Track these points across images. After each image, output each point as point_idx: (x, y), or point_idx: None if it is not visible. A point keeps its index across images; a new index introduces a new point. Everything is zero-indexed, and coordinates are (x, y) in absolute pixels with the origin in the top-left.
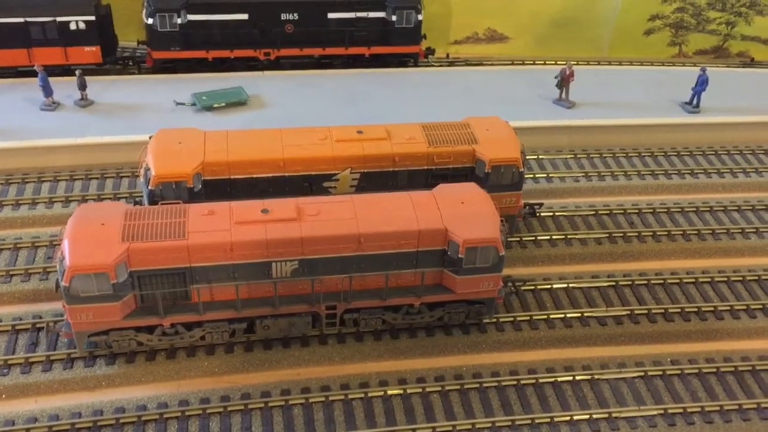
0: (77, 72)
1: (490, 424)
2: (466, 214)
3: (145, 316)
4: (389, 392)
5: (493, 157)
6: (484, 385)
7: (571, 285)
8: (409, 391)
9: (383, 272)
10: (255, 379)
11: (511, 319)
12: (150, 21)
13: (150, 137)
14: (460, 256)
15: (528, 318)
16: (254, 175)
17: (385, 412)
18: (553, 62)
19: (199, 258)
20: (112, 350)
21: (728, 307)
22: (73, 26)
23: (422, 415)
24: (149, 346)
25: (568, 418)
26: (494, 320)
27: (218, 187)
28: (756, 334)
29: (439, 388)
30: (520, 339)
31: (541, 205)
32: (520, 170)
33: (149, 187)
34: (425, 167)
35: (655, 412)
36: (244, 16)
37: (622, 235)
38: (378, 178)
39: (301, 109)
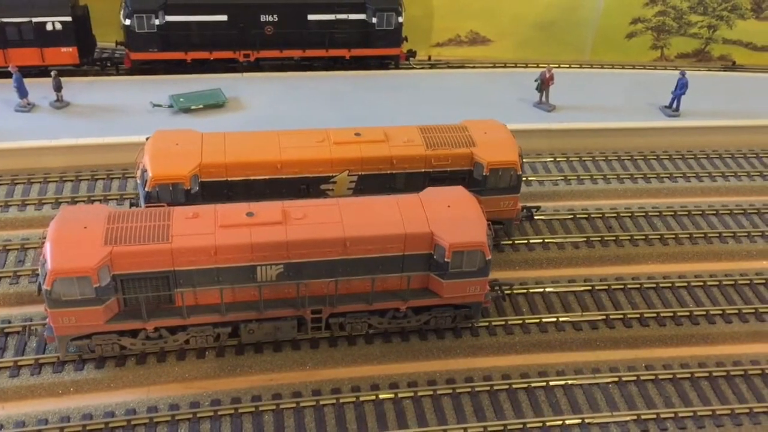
0: (52, 73)
1: (462, 430)
2: (452, 217)
3: (129, 319)
4: (361, 398)
5: (491, 160)
6: (457, 390)
7: (547, 289)
8: (381, 396)
9: (369, 276)
10: (226, 385)
11: (486, 323)
12: (128, 22)
13: (147, 138)
14: (446, 260)
15: (503, 323)
16: (251, 177)
17: (356, 418)
18: (535, 65)
19: (183, 261)
20: (95, 354)
21: (704, 312)
22: (49, 27)
23: (394, 421)
24: (133, 350)
25: (540, 424)
26: (469, 325)
27: (215, 189)
28: (731, 340)
29: (412, 394)
30: (495, 344)
31: (538, 208)
32: (518, 173)
33: (146, 189)
34: (423, 170)
35: (628, 418)
36: (224, 18)
37: (600, 239)
38: (375, 181)
39: (280, 112)
